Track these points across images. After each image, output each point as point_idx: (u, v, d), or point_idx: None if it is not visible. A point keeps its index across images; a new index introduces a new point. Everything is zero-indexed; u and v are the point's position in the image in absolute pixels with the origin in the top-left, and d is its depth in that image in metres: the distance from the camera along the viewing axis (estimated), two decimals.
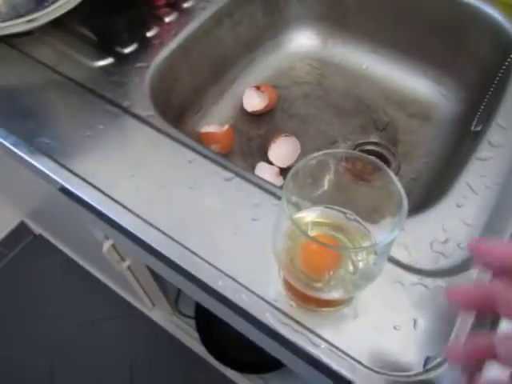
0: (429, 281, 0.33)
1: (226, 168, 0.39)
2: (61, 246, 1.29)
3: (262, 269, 0.34)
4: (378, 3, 0.65)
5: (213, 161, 0.40)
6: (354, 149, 0.60)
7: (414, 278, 0.34)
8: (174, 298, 1.11)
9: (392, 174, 0.26)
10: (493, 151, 0.41)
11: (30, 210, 1.18)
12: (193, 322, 1.08)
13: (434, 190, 0.50)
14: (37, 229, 1.35)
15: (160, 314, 1.16)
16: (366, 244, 0.30)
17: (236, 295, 0.34)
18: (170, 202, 0.38)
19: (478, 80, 0.59)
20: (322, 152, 0.28)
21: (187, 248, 0.36)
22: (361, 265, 0.28)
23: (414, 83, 0.67)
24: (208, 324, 1.06)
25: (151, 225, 0.37)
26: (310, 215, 0.31)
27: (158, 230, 0.37)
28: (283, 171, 0.56)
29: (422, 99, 0.65)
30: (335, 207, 0.31)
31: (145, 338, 1.20)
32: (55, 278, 1.31)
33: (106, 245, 0.74)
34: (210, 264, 0.35)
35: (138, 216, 0.38)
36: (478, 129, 0.46)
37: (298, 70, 0.70)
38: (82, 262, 1.25)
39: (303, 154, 0.58)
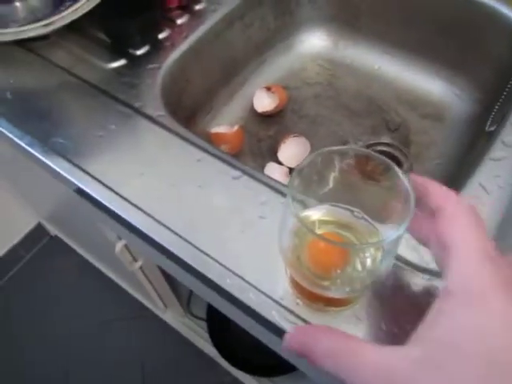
0: (439, 281, 0.33)
1: (234, 167, 0.40)
2: (76, 247, 1.31)
3: (270, 267, 0.34)
4: (389, 4, 0.65)
5: (221, 160, 0.40)
6: (368, 147, 0.60)
7: (423, 277, 0.33)
8: (186, 300, 1.12)
9: (399, 171, 0.26)
10: (507, 151, 0.40)
11: (47, 211, 1.20)
12: (204, 324, 1.09)
13: None
14: (53, 230, 1.37)
15: (172, 316, 1.17)
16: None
17: (243, 294, 0.34)
18: (180, 201, 0.39)
19: (492, 80, 0.58)
20: (327, 149, 0.28)
21: (196, 246, 0.36)
22: (368, 262, 0.28)
23: (427, 83, 0.66)
24: (220, 326, 1.06)
25: (161, 223, 0.37)
26: (316, 213, 0.31)
27: (168, 228, 0.37)
28: (292, 171, 0.56)
29: (435, 99, 0.65)
30: (342, 205, 0.30)
31: (157, 340, 1.20)
32: (70, 279, 1.33)
33: (119, 245, 0.75)
34: (218, 262, 0.35)
35: (148, 215, 0.38)
36: (492, 129, 0.45)
37: (309, 71, 0.71)
38: (96, 263, 1.27)
39: (312, 152, 0.58)
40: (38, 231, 1.38)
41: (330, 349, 0.22)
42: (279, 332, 0.32)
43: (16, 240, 1.33)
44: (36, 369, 1.18)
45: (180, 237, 0.37)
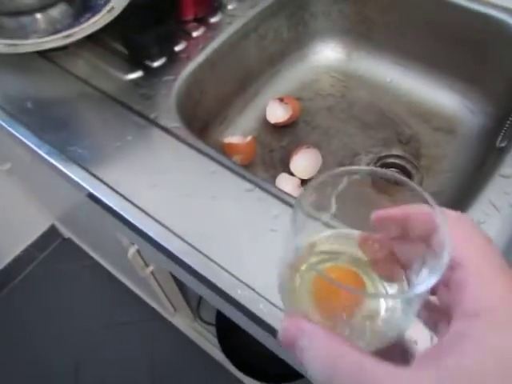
0: None
1: (247, 179, 0.40)
2: (88, 250, 1.33)
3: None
4: (403, 17, 0.66)
5: (234, 172, 0.41)
6: (377, 162, 0.60)
7: None
8: (196, 305, 1.13)
9: (433, 204, 0.21)
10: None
11: (61, 214, 1.22)
12: (213, 329, 1.09)
13: (456, 205, 0.49)
14: (66, 232, 1.39)
15: (181, 320, 1.18)
16: (394, 285, 0.24)
17: (253, 305, 0.34)
18: (192, 211, 0.39)
19: (505, 95, 0.58)
20: (341, 169, 0.24)
21: (207, 256, 0.37)
22: (385, 311, 0.23)
23: (439, 96, 0.66)
24: (228, 332, 1.07)
25: (173, 232, 0.38)
26: (324, 241, 0.26)
27: (180, 237, 0.38)
28: (304, 182, 0.57)
29: (447, 113, 0.65)
30: (356, 231, 0.26)
31: (166, 344, 1.21)
32: (82, 280, 1.35)
33: (131, 250, 0.76)
34: (229, 273, 0.36)
35: (160, 224, 0.39)
36: (503, 145, 0.46)
37: (322, 83, 0.71)
38: (107, 266, 1.29)
39: (324, 166, 0.58)
40: (52, 232, 1.40)
41: (327, 355, 0.19)
42: None
43: (30, 241, 1.36)
44: (48, 367, 1.20)
45: (191, 246, 0.38)
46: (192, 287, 0.59)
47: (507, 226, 0.37)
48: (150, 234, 0.39)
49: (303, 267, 0.24)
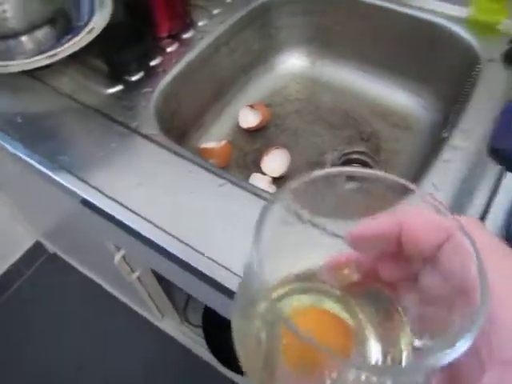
0: None
1: (219, 176, 0.46)
2: (74, 263, 1.35)
3: None
4: (359, 26, 0.72)
5: (208, 170, 0.46)
6: (341, 158, 0.66)
7: None
8: (183, 308, 1.17)
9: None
10: (454, 154, 0.46)
11: (46, 229, 1.24)
12: (201, 331, 1.13)
13: None
14: (52, 248, 1.41)
15: (169, 324, 1.21)
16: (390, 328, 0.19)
17: (231, 282, 0.39)
18: (173, 206, 0.44)
19: (450, 92, 0.65)
20: (316, 173, 0.18)
21: (188, 244, 0.42)
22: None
23: (396, 96, 0.73)
24: (216, 332, 1.11)
25: (157, 226, 0.43)
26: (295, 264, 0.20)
27: (163, 230, 0.43)
28: (275, 180, 0.62)
29: (404, 111, 0.71)
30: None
31: (157, 348, 1.24)
32: (69, 294, 1.37)
33: (118, 256, 0.80)
34: (208, 258, 0.41)
35: (146, 219, 0.44)
36: (446, 135, 0.52)
37: (290, 89, 0.77)
38: (95, 277, 1.31)
39: (293, 164, 0.64)
40: (37, 249, 1.42)
41: None
42: None
43: (15, 258, 1.38)
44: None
45: (173, 236, 0.42)
46: (177, 281, 0.64)
47: (446, 205, 0.43)
48: (136, 228, 0.44)
49: (262, 305, 0.16)
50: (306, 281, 0.21)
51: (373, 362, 0.18)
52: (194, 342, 1.19)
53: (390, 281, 0.19)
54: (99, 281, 1.30)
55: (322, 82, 0.78)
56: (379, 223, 0.18)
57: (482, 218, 0.41)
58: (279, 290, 0.20)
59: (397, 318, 0.18)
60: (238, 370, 1.06)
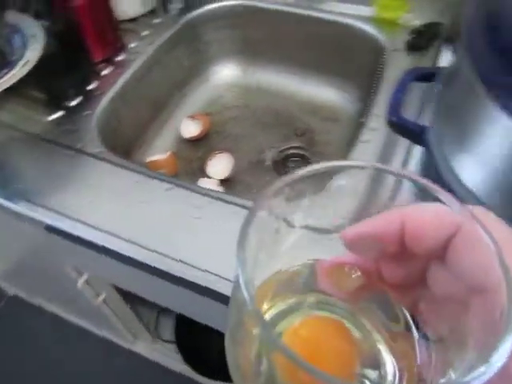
0: None
1: (165, 181, 0.49)
2: (37, 302, 1.32)
3: (219, 254, 0.44)
4: (282, 34, 0.79)
5: (154, 178, 0.50)
6: (279, 154, 0.72)
7: None
8: (154, 326, 1.17)
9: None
10: (371, 135, 0.53)
11: (3, 269, 1.21)
12: (175, 346, 1.14)
13: None
14: (11, 289, 1.38)
15: (142, 346, 1.21)
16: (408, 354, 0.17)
17: (204, 279, 0.43)
18: (129, 216, 0.47)
19: (366, 82, 0.72)
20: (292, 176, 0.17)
21: (154, 250, 0.44)
22: None
23: (324, 93, 0.80)
24: (190, 342, 1.12)
25: (121, 238, 0.46)
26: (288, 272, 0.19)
27: (126, 240, 0.45)
28: (222, 182, 0.66)
29: (332, 105, 0.78)
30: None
31: (132, 373, 1.24)
32: (36, 333, 1.34)
33: (81, 280, 0.81)
34: (175, 259, 0.44)
35: (109, 233, 0.46)
36: (364, 120, 0.58)
37: (226, 98, 0.82)
38: (61, 312, 1.29)
39: (237, 165, 0.68)
40: None
41: None
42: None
43: None
44: None
45: (138, 245, 0.45)
46: (143, 292, 0.66)
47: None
48: (102, 243, 0.46)
49: (255, 329, 0.15)
50: (302, 292, 0.19)
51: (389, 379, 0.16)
52: (170, 358, 1.19)
53: (393, 282, 0.17)
54: (65, 315, 1.28)
55: (254, 87, 0.83)
56: (378, 220, 0.16)
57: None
58: (272, 310, 0.18)
59: (405, 324, 0.17)
60: (218, 377, 1.08)
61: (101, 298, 0.91)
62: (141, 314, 1.11)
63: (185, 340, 1.13)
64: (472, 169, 0.30)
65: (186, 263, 0.43)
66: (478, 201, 0.32)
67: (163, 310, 1.17)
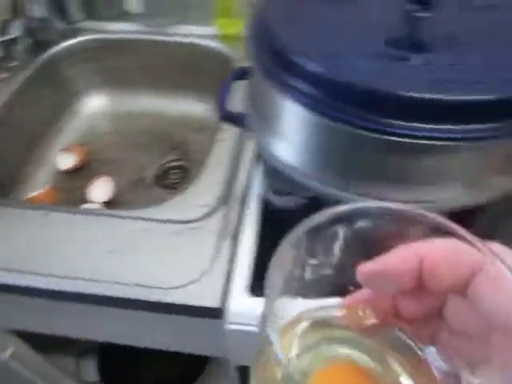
0: None
1: (41, 209, 0.52)
2: None
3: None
4: (141, 60, 0.85)
5: (28, 208, 0.52)
6: (160, 167, 0.77)
7: None
8: (76, 371, 1.13)
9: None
10: (226, 134, 0.61)
11: None
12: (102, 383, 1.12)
13: None
14: None
15: None
16: None
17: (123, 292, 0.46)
18: (14, 249, 0.49)
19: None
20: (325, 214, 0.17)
21: (53, 275, 0.46)
22: None
23: (190, 107, 0.87)
24: (117, 377, 1.11)
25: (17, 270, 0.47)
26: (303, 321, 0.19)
27: (21, 271, 0.47)
28: (106, 204, 0.69)
29: (199, 116, 0.86)
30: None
31: None
32: None
33: None
34: (78, 278, 0.46)
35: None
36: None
37: (99, 126, 0.86)
38: None
39: (119, 187, 0.72)
40: None
41: None
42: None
43: None
44: None
45: (35, 273, 0.46)
46: (56, 327, 0.66)
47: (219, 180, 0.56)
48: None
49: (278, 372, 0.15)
50: (323, 327, 0.19)
51: None
52: None
53: (410, 318, 0.17)
54: None
55: (124, 113, 0.88)
56: (395, 258, 0.16)
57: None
58: (295, 348, 0.18)
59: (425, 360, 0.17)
60: None
61: (8, 352, 0.87)
62: (56, 361, 1.07)
63: (112, 375, 1.11)
64: (282, 146, 0.38)
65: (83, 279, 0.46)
66: (299, 173, 0.38)
67: (81, 353, 1.14)
